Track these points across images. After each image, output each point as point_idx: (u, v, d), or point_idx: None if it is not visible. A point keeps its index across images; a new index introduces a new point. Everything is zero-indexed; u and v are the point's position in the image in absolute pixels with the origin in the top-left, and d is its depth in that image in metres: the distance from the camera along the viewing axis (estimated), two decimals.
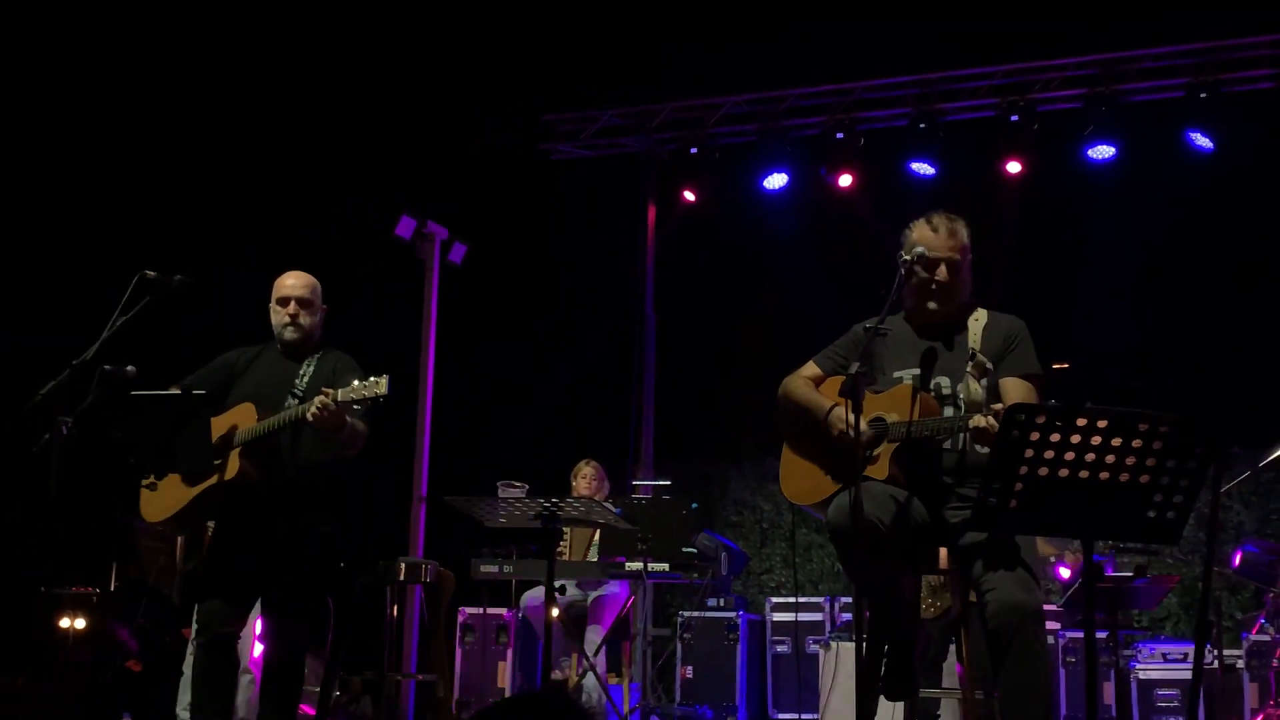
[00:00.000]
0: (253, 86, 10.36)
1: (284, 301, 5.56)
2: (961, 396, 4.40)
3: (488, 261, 10.44)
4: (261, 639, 5.54)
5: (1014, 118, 9.56)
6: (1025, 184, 9.73)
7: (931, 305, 4.52)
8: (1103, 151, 9.44)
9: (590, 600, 8.12)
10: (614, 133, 10.84)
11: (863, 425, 4.20)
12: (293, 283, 5.58)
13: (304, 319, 5.54)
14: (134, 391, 5.05)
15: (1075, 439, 3.45)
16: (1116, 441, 3.46)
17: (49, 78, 9.97)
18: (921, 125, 9.80)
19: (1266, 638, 7.67)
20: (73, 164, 10.07)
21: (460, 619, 9.05)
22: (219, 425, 5.31)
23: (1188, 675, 8.17)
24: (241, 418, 5.31)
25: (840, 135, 10.00)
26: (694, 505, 8.12)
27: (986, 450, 4.27)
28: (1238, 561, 7.74)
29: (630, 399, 10.47)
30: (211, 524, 5.65)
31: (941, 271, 4.49)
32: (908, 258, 4.46)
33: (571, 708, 1.50)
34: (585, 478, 8.45)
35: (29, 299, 9.73)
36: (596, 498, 8.04)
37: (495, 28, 10.58)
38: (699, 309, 11.15)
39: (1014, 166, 9.63)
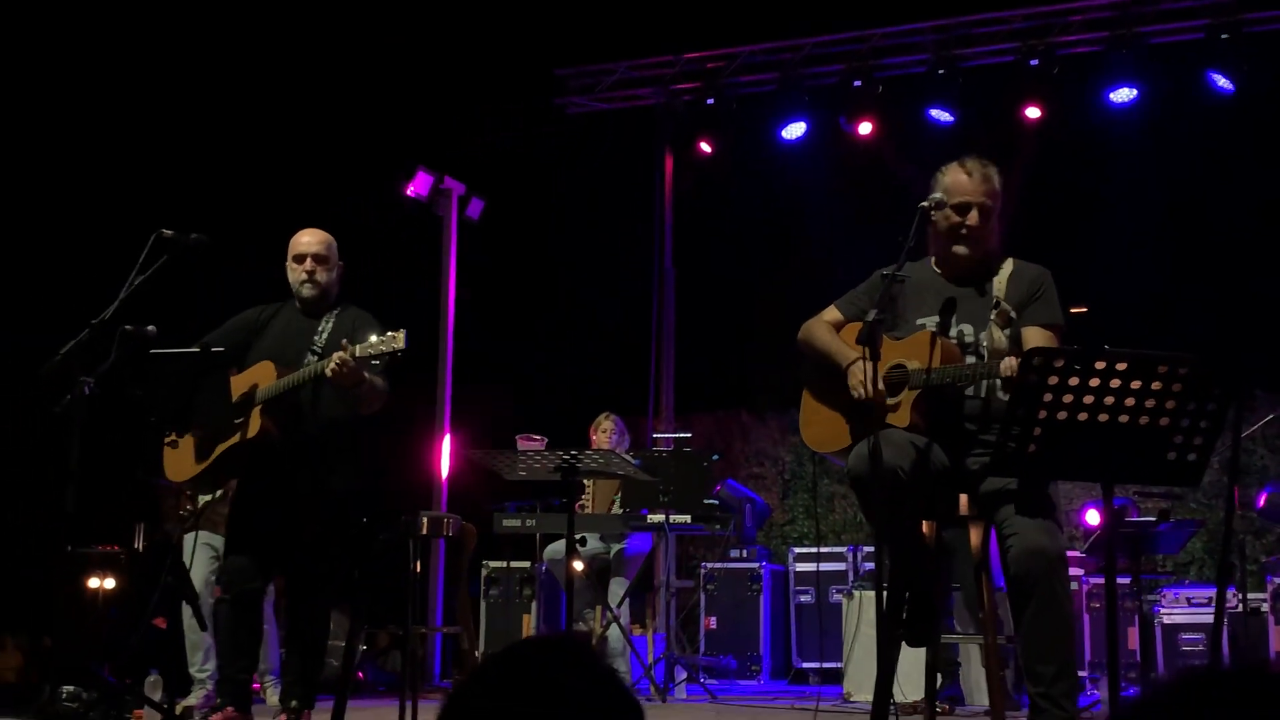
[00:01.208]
0: (269, 45, 10.33)
1: (300, 258, 5.56)
2: (984, 344, 4.37)
3: (506, 217, 10.43)
4: (285, 593, 5.58)
5: (1034, 62, 9.48)
6: (1046, 129, 9.65)
7: (960, 250, 4.48)
8: (1123, 95, 9.35)
9: (613, 553, 8.15)
10: (630, 85, 10.78)
11: (880, 380, 4.18)
12: (309, 240, 5.58)
13: (320, 275, 5.54)
14: (154, 350, 5.06)
15: (1094, 382, 3.43)
16: (1135, 384, 3.43)
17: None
18: (941, 71, 9.73)
19: None
20: (91, 114, 10.08)
21: (484, 573, 9.10)
22: (239, 384, 5.33)
23: (1211, 619, 8.17)
24: (261, 375, 5.32)
25: (859, 83, 9.92)
26: (715, 457, 8.14)
27: None
28: (1263, 503, 7.71)
29: (650, 352, 10.46)
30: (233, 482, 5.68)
31: (973, 216, 4.44)
32: (938, 197, 4.41)
33: (584, 652, 1.50)
34: (605, 431, 8.46)
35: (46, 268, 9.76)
36: (617, 451, 8.05)
37: None
38: (718, 261, 11.12)
39: (1034, 112, 9.55)
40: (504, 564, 8.98)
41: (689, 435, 8.92)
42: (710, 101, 10.34)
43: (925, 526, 4.36)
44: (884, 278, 4.37)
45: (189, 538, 6.42)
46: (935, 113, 9.75)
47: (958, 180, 4.47)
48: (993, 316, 4.37)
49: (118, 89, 10.09)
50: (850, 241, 9.87)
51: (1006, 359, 4.13)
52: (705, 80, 10.47)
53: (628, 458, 6.20)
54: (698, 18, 10.55)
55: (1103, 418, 3.47)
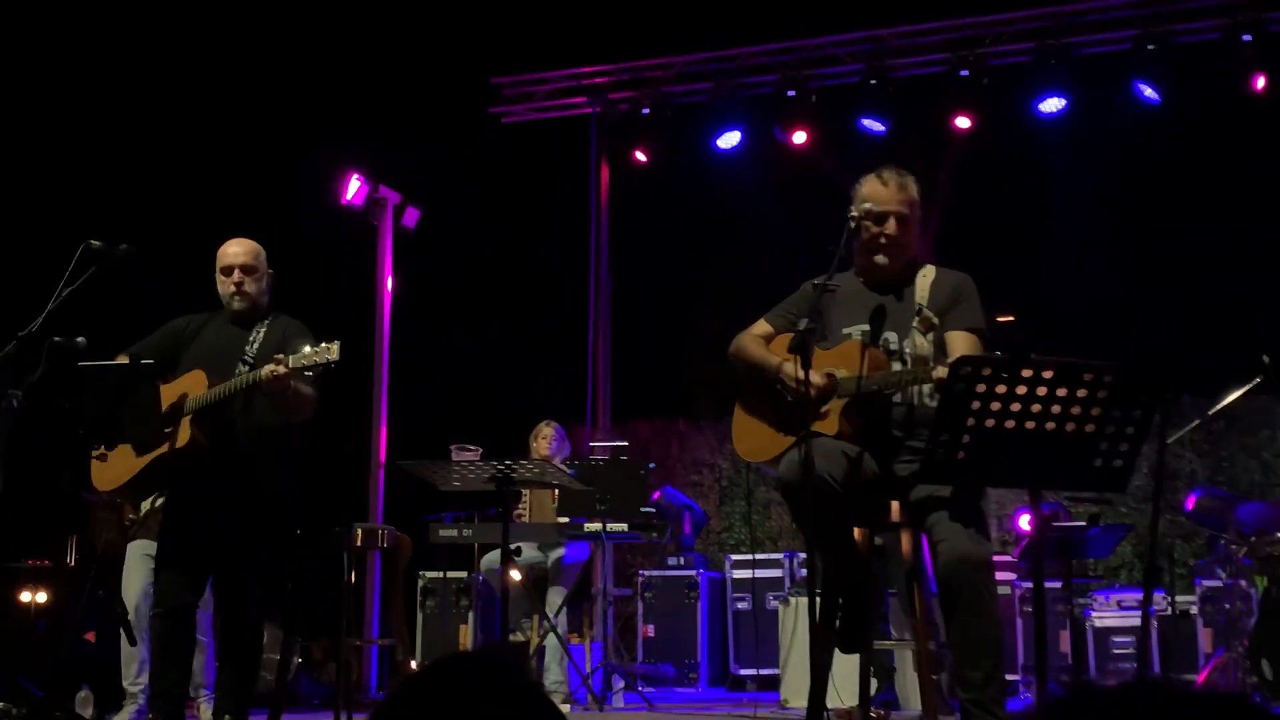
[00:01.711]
0: (202, 54, 10.25)
1: (228, 270, 5.51)
2: (908, 351, 4.42)
3: (442, 225, 10.40)
4: (216, 607, 5.52)
5: (964, 73, 9.58)
6: (977, 138, 9.76)
7: (880, 259, 4.54)
8: (1053, 104, 9.48)
9: (550, 561, 8.14)
10: (566, 94, 10.80)
11: (816, 377, 4.23)
12: (235, 250, 5.53)
13: (249, 286, 5.49)
14: (82, 363, 5.00)
15: (1021, 389, 3.47)
16: (1062, 391, 3.48)
17: None
18: (873, 82, 9.82)
19: (1219, 583, 7.77)
20: (16, 122, 9.94)
21: (420, 583, 9.06)
22: (169, 393, 5.27)
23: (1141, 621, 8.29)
24: (191, 385, 5.27)
25: (792, 93, 10.00)
26: (651, 465, 8.16)
27: (935, 403, 4.31)
28: (1191, 505, 7.83)
29: (586, 360, 10.47)
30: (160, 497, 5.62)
31: (890, 225, 4.50)
32: (857, 213, 4.47)
33: (507, 668, 1.50)
34: (545, 438, 8.46)
35: None
36: (557, 458, 8.06)
37: None
38: (655, 269, 11.15)
39: (964, 121, 9.66)
40: (440, 574, 8.94)
41: (625, 444, 8.93)
42: (646, 111, 10.38)
43: (857, 533, 4.40)
44: (814, 287, 4.41)
45: (132, 546, 6.35)
46: (868, 122, 9.84)
47: (874, 191, 4.53)
48: (915, 323, 4.42)
49: (43, 95, 9.96)
50: (785, 249, 9.92)
51: (940, 366, 4.17)
52: (641, 89, 10.50)
53: (562, 468, 6.21)
54: (633, 28, 10.58)
55: (1030, 425, 3.51)
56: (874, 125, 9.83)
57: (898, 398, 4.40)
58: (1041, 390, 3.48)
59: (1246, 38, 8.99)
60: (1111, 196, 9.92)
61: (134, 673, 6.52)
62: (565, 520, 7.97)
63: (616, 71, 10.62)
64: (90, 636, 6.43)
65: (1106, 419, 3.53)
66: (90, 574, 5.65)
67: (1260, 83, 8.99)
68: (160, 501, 6.06)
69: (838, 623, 4.37)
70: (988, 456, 3.57)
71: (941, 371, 4.13)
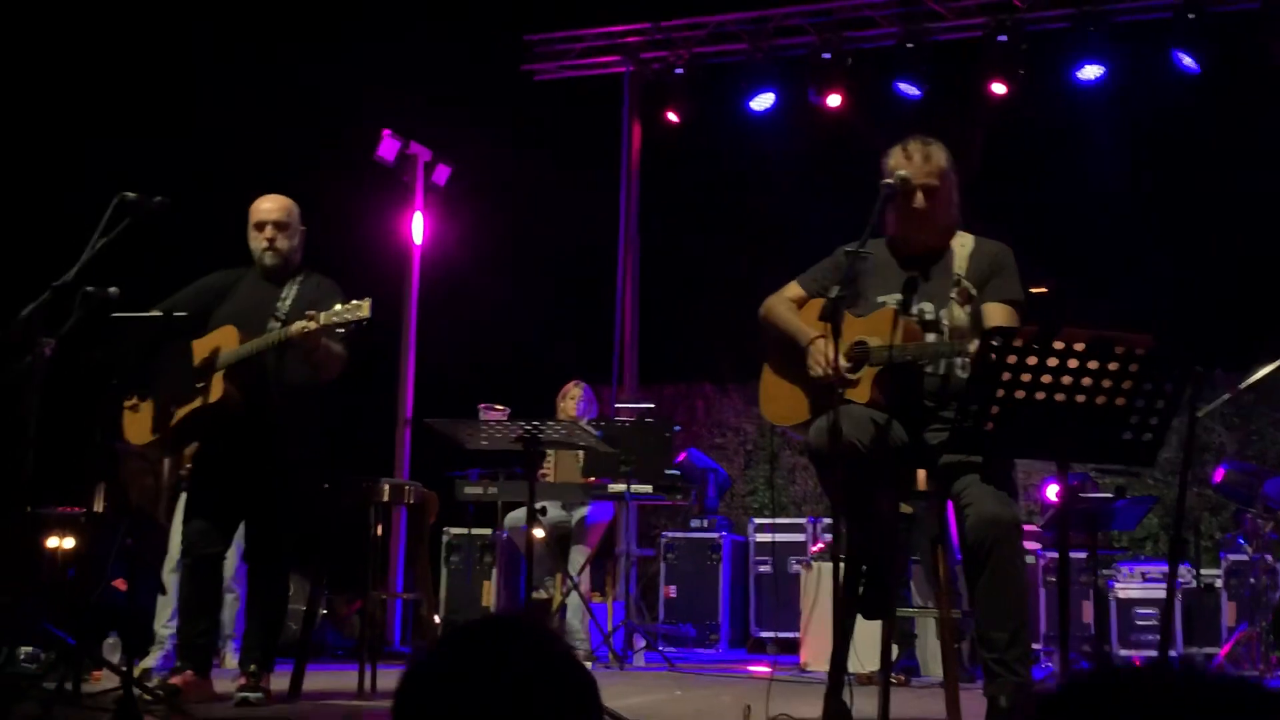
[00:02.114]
0: (234, 11, 10.23)
1: (260, 226, 5.53)
2: (945, 322, 4.40)
3: (473, 182, 10.39)
4: (245, 558, 5.58)
5: (1001, 38, 9.50)
6: (1015, 105, 9.67)
7: (911, 231, 4.52)
8: (1090, 72, 9.38)
9: (574, 520, 8.18)
10: (599, 53, 10.75)
11: (841, 358, 4.22)
12: (268, 206, 5.55)
13: (281, 243, 5.51)
14: (115, 313, 5.03)
15: (1052, 361, 3.47)
16: (1093, 364, 3.47)
17: None
18: (909, 45, 9.74)
19: (1244, 557, 7.75)
20: (52, 76, 9.97)
21: (445, 539, 9.12)
22: (201, 348, 5.31)
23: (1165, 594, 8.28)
24: (224, 340, 5.30)
25: (827, 55, 9.93)
26: (677, 428, 8.17)
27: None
28: (1220, 477, 7.80)
29: (614, 322, 10.47)
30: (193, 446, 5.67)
31: (918, 198, 4.47)
32: (903, 175, 4.44)
33: (538, 630, 1.52)
34: (573, 398, 8.48)
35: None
36: (584, 419, 8.08)
37: None
38: (684, 231, 11.12)
39: (999, 88, 9.57)
40: (465, 531, 8.99)
41: (652, 405, 8.94)
42: (679, 71, 10.33)
43: (883, 501, 4.40)
44: (847, 254, 4.39)
45: (184, 497, 6.40)
46: (904, 86, 9.76)
47: (900, 163, 4.49)
48: (953, 294, 4.40)
49: (77, 48, 9.97)
50: (817, 214, 9.86)
51: (974, 340, 4.16)
52: (674, 49, 10.45)
53: (589, 429, 6.22)
54: None
55: (1059, 397, 3.51)
56: (909, 89, 9.75)
57: (931, 368, 4.38)
58: (1073, 363, 3.47)
59: None
60: (1149, 167, 9.83)
61: (166, 617, 6.59)
62: (590, 480, 8.00)
63: (650, 31, 10.56)
64: (120, 584, 6.50)
65: (1137, 392, 3.53)
66: (122, 523, 5.70)
67: None
68: None
69: (861, 589, 4.38)
70: (1017, 427, 3.57)
71: (976, 346, 4.12)
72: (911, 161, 4.48)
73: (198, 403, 5.26)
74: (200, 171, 9.50)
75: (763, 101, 10.17)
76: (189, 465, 6.03)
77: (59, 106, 9.93)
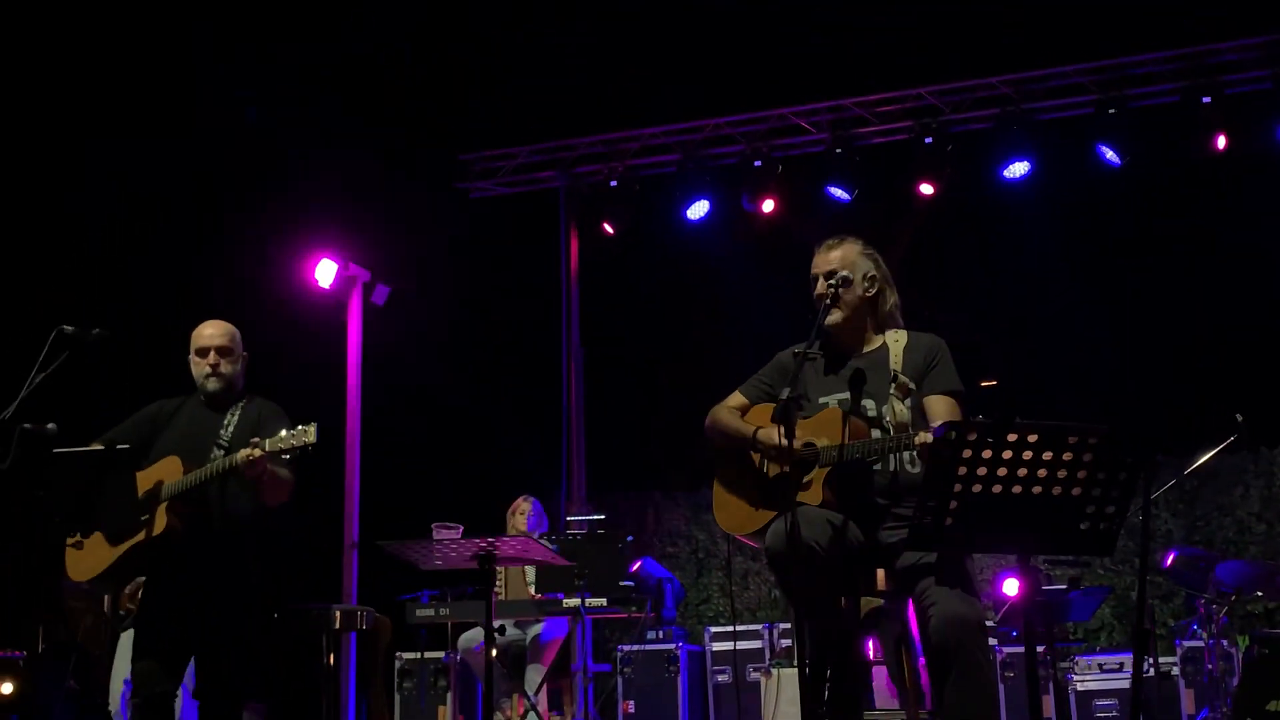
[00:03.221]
0: (171, 131, 10.24)
1: (203, 352, 5.47)
2: (887, 418, 4.42)
3: (412, 302, 10.37)
4: (195, 695, 5.43)
5: (928, 140, 9.69)
6: (945, 203, 9.84)
7: (829, 319, 4.57)
8: (1017, 169, 9.58)
9: (529, 638, 8.05)
10: (533, 169, 10.86)
11: (796, 443, 4.22)
12: (211, 332, 5.50)
13: (225, 368, 5.46)
14: (55, 449, 4.95)
15: (1007, 454, 3.47)
16: (1047, 455, 3.48)
17: None
18: (838, 150, 9.91)
19: (1200, 643, 7.76)
20: None
21: (397, 664, 8.94)
22: (144, 480, 5.22)
23: (1125, 684, 8.26)
24: (167, 471, 5.22)
25: (759, 163, 10.09)
26: (629, 538, 8.11)
27: (918, 470, 4.30)
28: (1170, 562, 7.83)
29: (561, 433, 10.42)
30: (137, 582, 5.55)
31: (820, 285, 4.61)
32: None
33: None
34: (523, 513, 8.41)
35: None
36: (535, 534, 8.00)
37: (412, 69, 10.55)
38: (626, 341, 11.15)
39: (927, 188, 9.75)
40: (417, 655, 8.83)
41: (603, 517, 8.88)
42: (613, 183, 10.44)
43: (844, 602, 4.36)
44: (795, 356, 4.41)
45: (124, 636, 6.25)
46: (834, 190, 9.91)
47: (816, 261, 4.68)
48: (892, 390, 4.43)
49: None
50: (756, 318, 9.94)
51: (924, 432, 4.18)
52: (608, 162, 10.56)
53: (546, 544, 6.16)
54: (598, 102, 10.65)
55: (1016, 489, 3.50)
56: (839, 193, 9.91)
57: (879, 465, 4.39)
58: (1027, 454, 3.47)
59: (1206, 100, 9.13)
60: (1079, 258, 10.00)
61: None
62: (543, 597, 7.90)
63: (582, 145, 10.69)
64: None
65: (1092, 481, 3.53)
66: (69, 663, 5.55)
67: (1221, 142, 9.12)
68: None
69: (826, 693, 4.32)
70: (976, 522, 3.55)
71: (924, 436, 4.15)
72: (819, 254, 4.67)
73: (141, 536, 5.16)
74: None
75: (698, 209, 10.29)
76: (129, 606, 5.90)
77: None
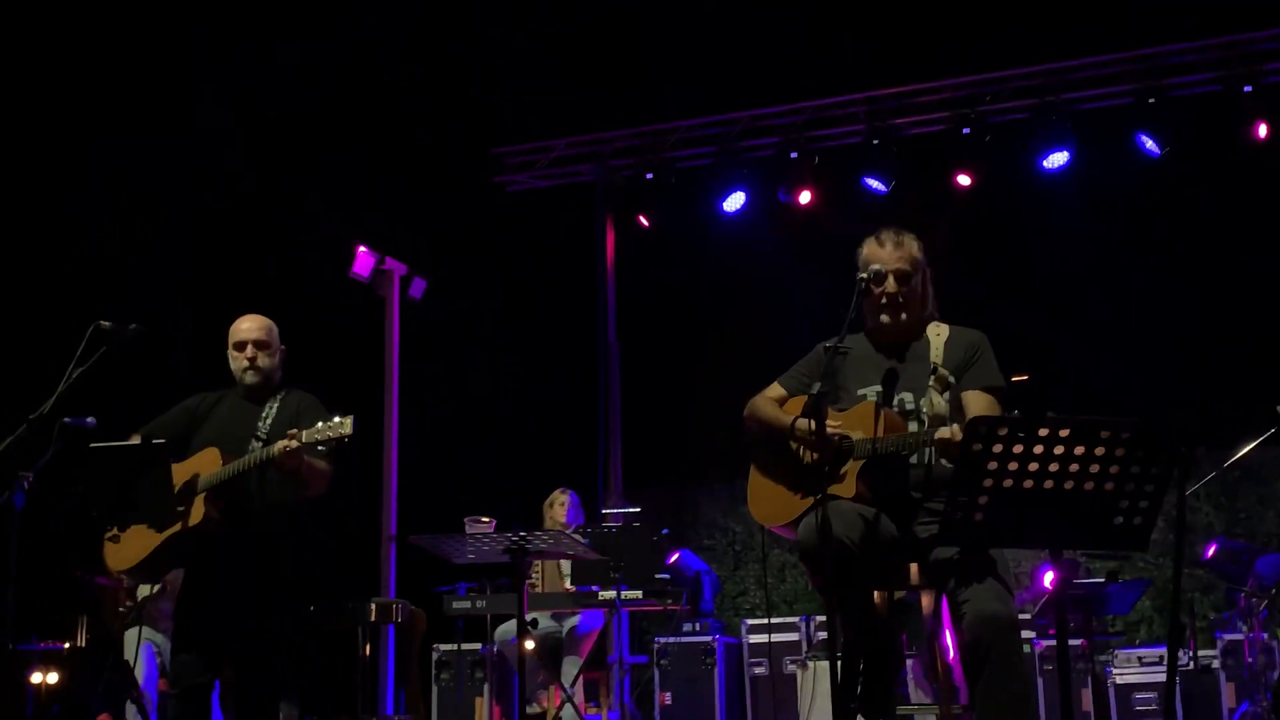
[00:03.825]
0: (213, 131, 10.31)
1: (241, 346, 5.53)
2: (925, 411, 4.41)
3: (448, 295, 10.42)
4: (233, 685, 5.49)
5: (965, 130, 9.63)
6: (983, 194, 9.78)
7: (885, 319, 4.54)
8: (1056, 159, 9.50)
9: (565, 630, 8.08)
10: (569, 162, 10.86)
11: (826, 434, 4.22)
12: (248, 326, 5.56)
13: (262, 361, 5.51)
14: (93, 444, 5.00)
15: (1038, 449, 3.45)
16: (1079, 450, 3.45)
17: None
18: (875, 141, 9.86)
19: (1240, 636, 7.70)
20: (25, 204, 9.98)
21: (435, 656, 8.99)
22: (182, 472, 5.27)
23: (1164, 678, 8.20)
24: (205, 463, 5.27)
25: (795, 155, 10.05)
26: (665, 531, 8.11)
27: (951, 464, 4.29)
28: (1211, 553, 7.77)
29: (598, 427, 10.44)
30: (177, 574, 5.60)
31: (890, 284, 4.52)
32: (863, 275, 4.50)
33: None
34: (561, 505, 8.43)
35: None
36: (572, 527, 8.02)
37: (446, 62, 10.57)
38: (662, 334, 11.15)
39: (964, 179, 9.69)
40: (454, 647, 8.87)
41: (639, 510, 8.89)
42: (649, 176, 10.43)
43: (877, 596, 4.36)
44: (826, 350, 4.41)
45: (130, 633, 6.31)
46: (871, 181, 9.87)
47: (874, 253, 4.57)
48: (931, 382, 4.41)
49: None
50: (794, 310, 9.91)
51: (942, 427, 4.17)
52: (643, 155, 10.55)
53: (577, 538, 6.16)
54: (634, 93, 10.65)
55: (1048, 484, 3.48)
56: (876, 184, 9.86)
57: (914, 459, 4.37)
58: (1059, 449, 3.45)
59: (1247, 89, 9.04)
60: (1118, 249, 9.92)
61: None
62: (578, 589, 7.91)
63: (618, 138, 10.69)
64: (105, 718, 6.39)
65: (1125, 476, 3.50)
66: (107, 657, 5.62)
67: (1262, 131, 9.02)
68: (158, 589, 6.05)
69: (859, 688, 4.31)
70: (1007, 517, 3.53)
71: (944, 433, 4.14)
72: (884, 249, 4.56)
73: (178, 527, 5.21)
74: (177, 294, 9.50)
75: (734, 201, 10.26)
76: (128, 603, 5.96)
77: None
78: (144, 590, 6.25)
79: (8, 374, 8.14)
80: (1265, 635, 7.36)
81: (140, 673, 6.31)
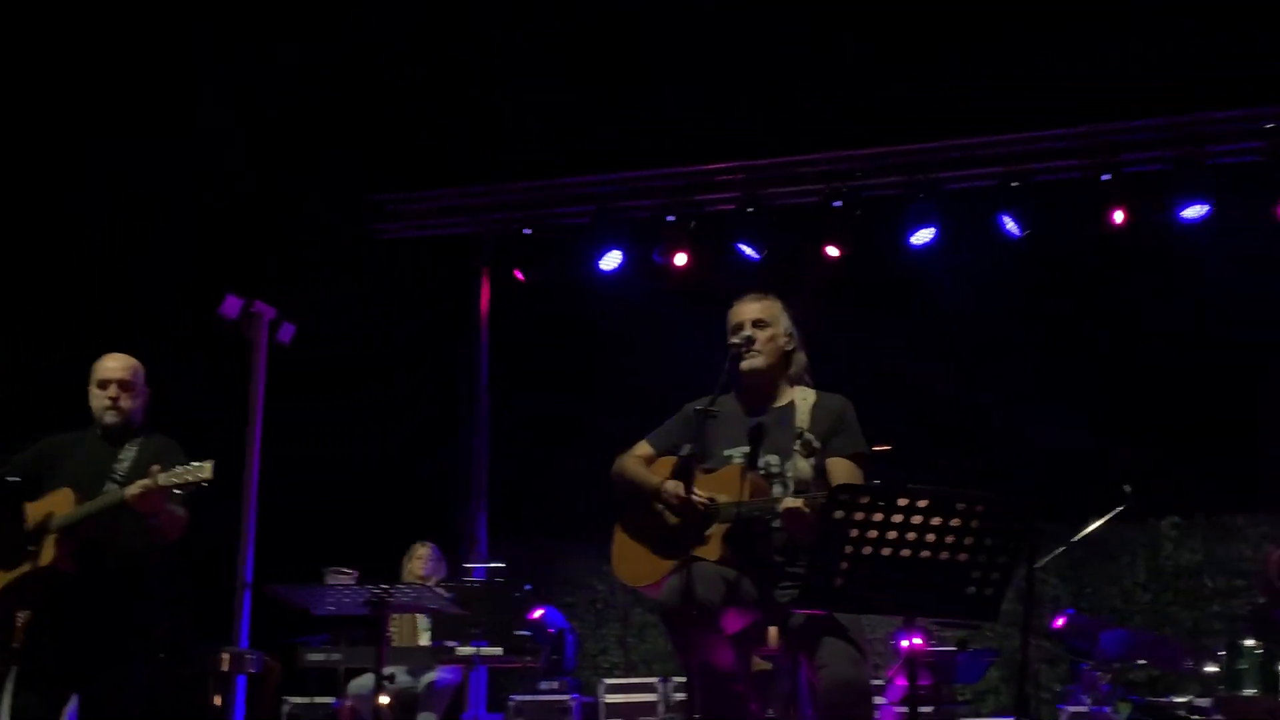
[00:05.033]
0: (82, 162, 10.13)
1: (104, 384, 5.43)
2: (790, 475, 4.48)
3: (318, 341, 10.30)
4: None
5: (837, 203, 9.83)
6: (852, 265, 9.97)
7: (746, 365, 4.64)
8: (923, 235, 9.74)
9: (421, 685, 7.98)
10: (445, 213, 10.85)
11: (698, 494, 4.29)
12: (113, 365, 5.46)
13: (125, 402, 5.41)
14: None
15: (897, 518, 3.54)
16: (936, 520, 3.56)
17: None
18: (749, 209, 10.03)
19: (1084, 709, 7.87)
20: None
21: (286, 709, 8.80)
22: (36, 512, 5.15)
23: None
24: (59, 503, 5.16)
25: (672, 218, 10.17)
26: (528, 586, 8.08)
27: (793, 533, 4.35)
28: (1060, 624, 7.94)
29: (463, 479, 10.37)
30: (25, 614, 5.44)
31: (747, 327, 4.67)
32: (735, 341, 4.61)
33: None
34: (421, 559, 8.36)
35: None
36: (432, 579, 7.96)
37: (326, 109, 10.53)
38: (533, 388, 11.13)
39: (833, 250, 9.88)
40: (307, 700, 8.69)
41: (502, 565, 8.84)
42: (527, 231, 10.47)
43: (734, 660, 4.40)
44: (696, 413, 4.47)
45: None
46: (744, 247, 10.02)
47: (736, 310, 4.77)
48: (797, 446, 4.49)
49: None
50: (665, 369, 9.97)
51: (788, 497, 4.27)
52: (522, 210, 10.59)
53: (440, 591, 6.13)
54: (514, 149, 10.69)
55: (905, 553, 3.58)
56: (750, 251, 10.02)
57: (778, 523, 4.44)
58: (917, 519, 3.55)
59: (1106, 176, 9.38)
60: (981, 325, 10.17)
61: None
62: (433, 644, 7.83)
63: (497, 192, 10.71)
64: None
65: (979, 548, 3.62)
66: None
67: (1119, 217, 9.35)
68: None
69: None
70: (865, 583, 3.61)
71: (790, 501, 4.24)
72: (744, 304, 4.75)
73: (27, 567, 5.08)
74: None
75: (611, 260, 10.34)
76: (19, 639, 5.78)
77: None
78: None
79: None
80: (1108, 709, 7.53)
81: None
